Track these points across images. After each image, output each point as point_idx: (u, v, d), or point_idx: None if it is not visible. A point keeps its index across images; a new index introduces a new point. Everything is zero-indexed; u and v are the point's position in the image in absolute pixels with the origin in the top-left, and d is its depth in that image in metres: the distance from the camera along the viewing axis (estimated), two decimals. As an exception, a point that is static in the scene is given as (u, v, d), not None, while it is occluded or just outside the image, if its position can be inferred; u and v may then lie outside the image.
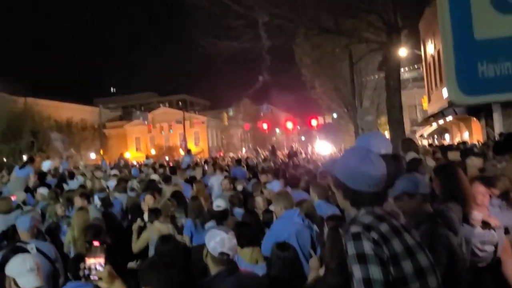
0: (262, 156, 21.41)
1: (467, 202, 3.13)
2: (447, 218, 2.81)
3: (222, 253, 2.92)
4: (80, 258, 3.44)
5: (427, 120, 26.06)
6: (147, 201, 6.68)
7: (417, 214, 2.81)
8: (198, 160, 18.45)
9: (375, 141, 2.80)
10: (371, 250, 1.82)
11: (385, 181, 2.02)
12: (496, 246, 3.33)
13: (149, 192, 7.07)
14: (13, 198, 7.18)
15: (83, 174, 10.91)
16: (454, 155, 6.96)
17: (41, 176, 10.32)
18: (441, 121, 23.77)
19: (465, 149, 9.05)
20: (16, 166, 11.31)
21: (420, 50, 27.58)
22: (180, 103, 75.25)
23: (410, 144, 5.98)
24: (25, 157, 12.55)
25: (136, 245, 5.76)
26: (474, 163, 5.25)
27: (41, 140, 28.96)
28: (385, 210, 2.01)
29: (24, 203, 7.55)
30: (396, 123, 11.75)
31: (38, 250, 3.98)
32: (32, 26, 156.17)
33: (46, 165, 12.92)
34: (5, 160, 33.73)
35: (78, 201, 6.51)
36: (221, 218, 5.54)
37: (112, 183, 9.39)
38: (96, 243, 2.14)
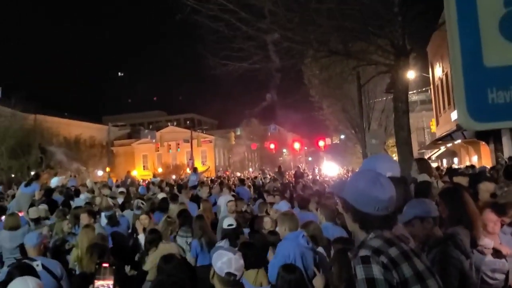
0: (269, 176, 21.37)
1: (474, 226, 3.09)
2: (459, 241, 2.78)
3: (229, 274, 2.91)
4: (85, 276, 3.43)
5: (435, 143, 25.89)
6: (142, 221, 6.56)
7: (428, 238, 2.79)
8: (205, 179, 18.42)
9: (381, 163, 2.78)
10: (380, 275, 1.80)
11: (395, 204, 2.01)
12: (507, 275, 3.27)
13: (144, 212, 6.98)
14: (20, 214, 7.20)
15: (91, 191, 10.93)
16: (460, 180, 6.81)
17: (48, 193, 10.35)
18: (449, 144, 23.64)
19: (474, 174, 8.95)
20: (23, 182, 11.38)
21: (428, 73, 27.67)
22: (188, 122, 75.84)
23: (426, 165, 5.89)
24: (33, 173, 12.59)
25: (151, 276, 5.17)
26: (487, 187, 5.15)
27: (49, 157, 29.15)
28: (394, 234, 2.00)
29: (38, 219, 7.51)
30: (404, 146, 11.67)
31: (43, 267, 3.97)
32: (43, 44, 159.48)
33: (54, 182, 12.99)
34: (12, 175, 34.00)
35: (85, 219, 6.51)
36: (234, 237, 5.49)
37: (120, 200, 9.42)
38: (105, 265, 2.12)
